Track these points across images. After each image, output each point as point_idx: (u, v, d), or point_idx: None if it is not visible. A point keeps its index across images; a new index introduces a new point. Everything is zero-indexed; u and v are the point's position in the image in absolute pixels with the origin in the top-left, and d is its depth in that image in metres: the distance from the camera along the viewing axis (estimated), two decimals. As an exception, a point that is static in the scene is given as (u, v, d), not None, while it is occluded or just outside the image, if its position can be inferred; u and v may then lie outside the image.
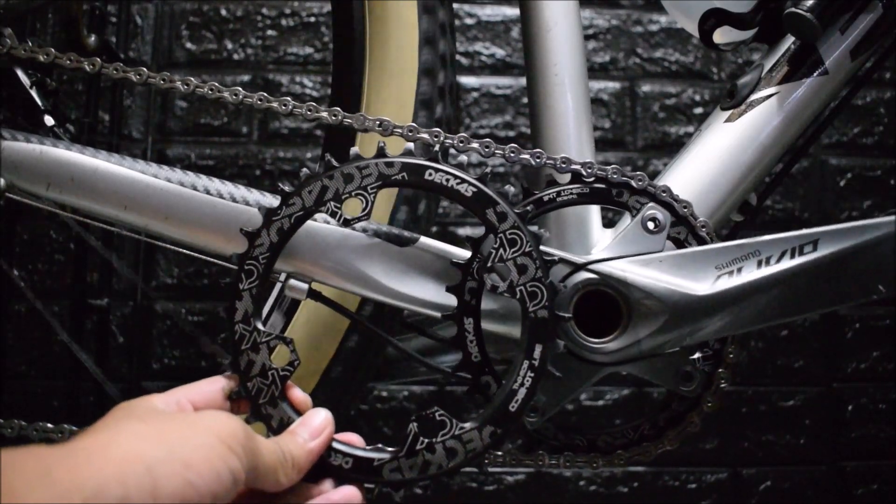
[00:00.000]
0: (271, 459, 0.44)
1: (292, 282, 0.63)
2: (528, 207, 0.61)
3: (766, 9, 0.70)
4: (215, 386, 0.51)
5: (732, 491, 1.35)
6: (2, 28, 0.73)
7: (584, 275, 0.54)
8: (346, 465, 0.50)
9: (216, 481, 0.38)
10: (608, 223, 0.72)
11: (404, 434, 0.51)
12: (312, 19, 1.44)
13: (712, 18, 0.71)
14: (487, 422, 0.50)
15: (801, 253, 0.57)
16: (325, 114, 0.63)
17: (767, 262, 0.57)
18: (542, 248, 0.51)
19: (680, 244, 0.58)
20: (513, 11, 1.47)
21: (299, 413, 0.52)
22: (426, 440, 0.50)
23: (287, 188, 0.54)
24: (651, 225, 0.55)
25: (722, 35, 0.73)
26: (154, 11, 1.42)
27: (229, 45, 1.43)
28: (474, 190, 0.53)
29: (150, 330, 1.34)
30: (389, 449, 0.52)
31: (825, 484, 1.35)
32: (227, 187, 0.62)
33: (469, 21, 1.46)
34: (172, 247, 0.65)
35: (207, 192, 0.62)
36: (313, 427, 0.49)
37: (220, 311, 1.28)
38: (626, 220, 0.70)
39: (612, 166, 0.60)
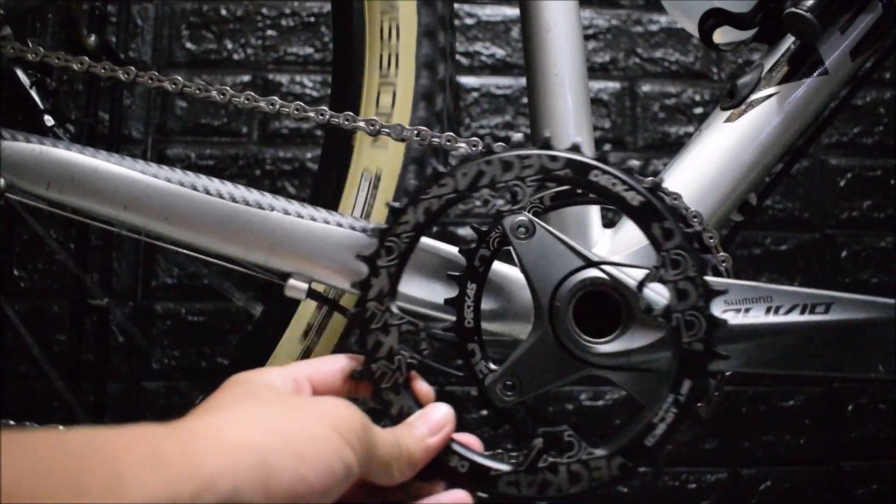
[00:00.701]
0: (387, 453, 0.42)
1: (292, 281, 0.63)
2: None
3: (766, 9, 0.70)
4: (336, 365, 0.49)
5: (732, 491, 1.35)
6: (1, 28, 0.73)
7: (594, 272, 0.54)
8: (461, 468, 0.47)
9: (329, 476, 0.36)
10: (608, 223, 0.72)
11: (527, 447, 0.49)
12: (312, 19, 1.44)
13: (712, 18, 0.71)
14: (619, 452, 0.48)
15: (812, 311, 0.56)
16: (311, 113, 0.63)
17: (776, 311, 0.56)
18: (707, 277, 0.49)
19: None
20: (513, 11, 1.47)
21: (420, 405, 0.50)
22: (551, 459, 0.48)
23: (441, 168, 0.51)
24: None
25: (722, 35, 0.73)
26: (154, 11, 1.42)
27: (229, 45, 1.43)
28: (642, 200, 0.50)
29: (150, 330, 1.34)
30: (510, 460, 0.49)
31: (825, 484, 1.35)
32: (227, 187, 0.62)
33: (469, 21, 1.46)
34: (172, 247, 0.65)
35: (207, 192, 0.62)
36: (433, 422, 0.47)
37: (222, 310, 1.27)
38: (628, 222, 0.70)
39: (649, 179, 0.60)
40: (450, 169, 0.51)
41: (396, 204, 0.52)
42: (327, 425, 0.38)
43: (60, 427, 0.65)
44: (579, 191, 0.60)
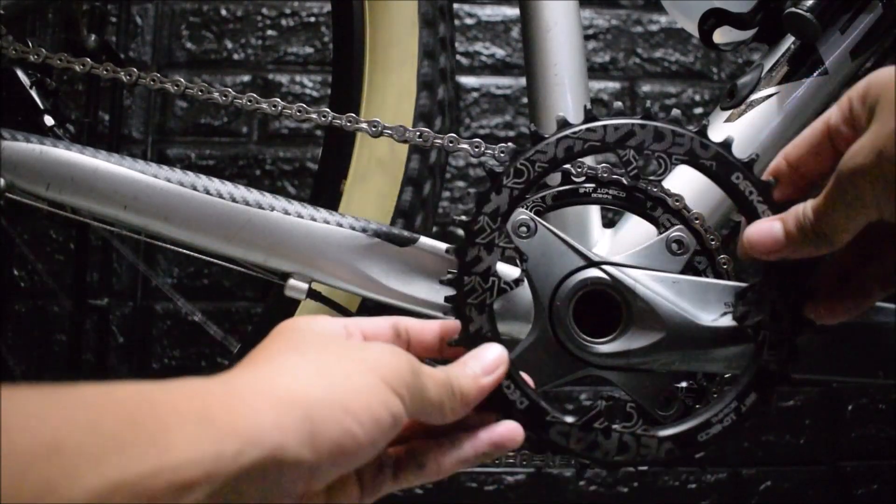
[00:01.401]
0: (438, 394, 0.41)
1: (292, 281, 0.63)
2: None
3: (766, 9, 0.70)
4: (386, 323, 0.48)
5: (732, 491, 1.35)
6: (0, 28, 0.73)
7: (595, 272, 0.54)
8: (520, 404, 0.47)
9: (376, 428, 0.36)
10: (607, 223, 0.72)
11: (588, 406, 0.49)
12: (312, 19, 1.44)
13: (712, 18, 0.71)
14: (671, 438, 0.49)
15: None
16: (314, 115, 0.63)
17: None
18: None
19: (697, 273, 0.58)
20: (513, 11, 1.47)
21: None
22: (607, 423, 0.48)
23: (595, 112, 0.51)
24: (675, 247, 0.55)
25: (722, 35, 0.73)
26: (154, 11, 1.42)
27: (229, 45, 1.43)
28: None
29: (150, 330, 1.34)
30: (569, 413, 0.49)
31: (825, 484, 1.35)
32: (227, 187, 0.62)
33: (469, 21, 1.46)
34: (172, 247, 0.65)
35: (207, 192, 0.62)
36: (487, 362, 0.46)
37: (222, 310, 1.27)
38: (628, 222, 0.70)
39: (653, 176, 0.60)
40: (604, 117, 0.51)
41: (541, 133, 0.51)
42: (375, 375, 0.37)
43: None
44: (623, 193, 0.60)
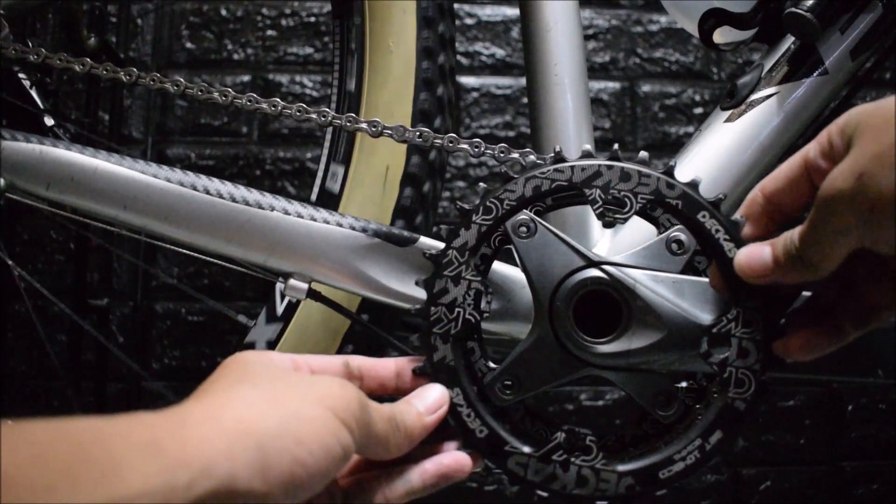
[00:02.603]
0: (384, 430, 0.42)
1: (292, 281, 0.63)
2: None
3: (766, 9, 0.70)
4: (338, 361, 0.48)
5: (732, 491, 1.35)
6: (1, 28, 0.73)
7: (594, 272, 0.54)
8: (480, 433, 0.48)
9: (326, 458, 0.36)
10: (608, 224, 0.72)
11: (547, 437, 0.49)
12: (312, 19, 1.44)
13: (712, 18, 0.71)
14: (631, 474, 0.48)
15: None
16: (314, 115, 0.63)
17: None
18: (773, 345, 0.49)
19: (697, 273, 0.58)
20: (513, 11, 1.47)
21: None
22: (566, 455, 0.48)
23: (563, 155, 0.52)
24: (675, 247, 0.55)
25: (722, 35, 0.73)
26: (154, 11, 1.42)
27: (229, 45, 1.43)
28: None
29: (150, 330, 1.34)
30: (527, 444, 0.49)
31: (825, 484, 1.35)
32: (226, 187, 0.62)
33: (469, 21, 1.46)
34: (172, 247, 0.65)
35: (207, 192, 0.62)
36: (429, 401, 0.47)
37: (224, 311, 1.27)
38: (628, 222, 0.70)
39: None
40: (571, 161, 0.52)
41: (510, 172, 0.52)
42: (324, 406, 0.38)
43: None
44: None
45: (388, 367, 0.49)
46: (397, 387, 0.50)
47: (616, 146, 0.55)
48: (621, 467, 0.49)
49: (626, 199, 0.52)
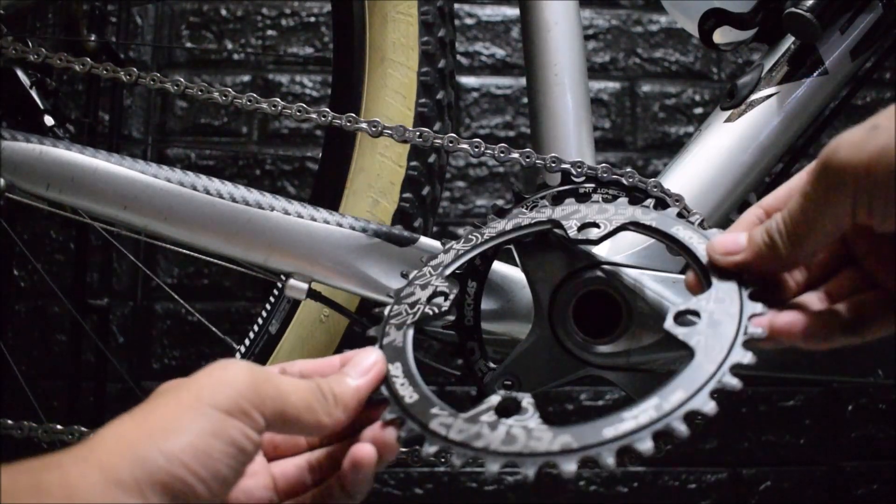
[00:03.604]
0: (304, 401, 0.41)
1: (292, 281, 0.63)
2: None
3: (766, 9, 0.70)
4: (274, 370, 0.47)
5: (732, 491, 1.35)
6: (1, 28, 0.73)
7: (594, 273, 0.54)
8: (409, 398, 0.46)
9: (213, 459, 0.36)
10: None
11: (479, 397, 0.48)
12: (312, 19, 1.44)
13: (712, 18, 0.71)
14: (570, 431, 0.42)
15: None
16: (314, 115, 0.63)
17: None
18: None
19: None
20: (513, 11, 1.47)
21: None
22: (496, 416, 0.44)
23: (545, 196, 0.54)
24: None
25: (722, 35, 0.73)
26: (154, 11, 1.42)
27: (229, 45, 1.43)
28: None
29: (150, 330, 1.34)
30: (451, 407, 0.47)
31: (825, 484, 1.35)
32: (226, 187, 0.62)
33: (469, 21, 1.46)
34: (172, 247, 0.65)
35: (207, 192, 0.62)
36: (361, 366, 0.46)
37: (222, 310, 1.27)
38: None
39: (653, 180, 0.60)
40: (542, 195, 0.54)
41: (501, 203, 0.54)
42: (208, 409, 0.37)
43: (59, 425, 0.65)
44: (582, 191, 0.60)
45: (333, 364, 0.48)
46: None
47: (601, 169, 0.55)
48: (555, 427, 0.43)
49: (603, 224, 0.52)
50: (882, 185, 0.37)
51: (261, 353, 0.73)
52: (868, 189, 0.37)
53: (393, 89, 0.73)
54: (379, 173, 0.72)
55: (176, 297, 0.92)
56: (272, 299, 0.74)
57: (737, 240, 0.45)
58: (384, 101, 0.73)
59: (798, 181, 0.43)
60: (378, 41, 0.74)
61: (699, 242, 0.49)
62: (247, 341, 0.74)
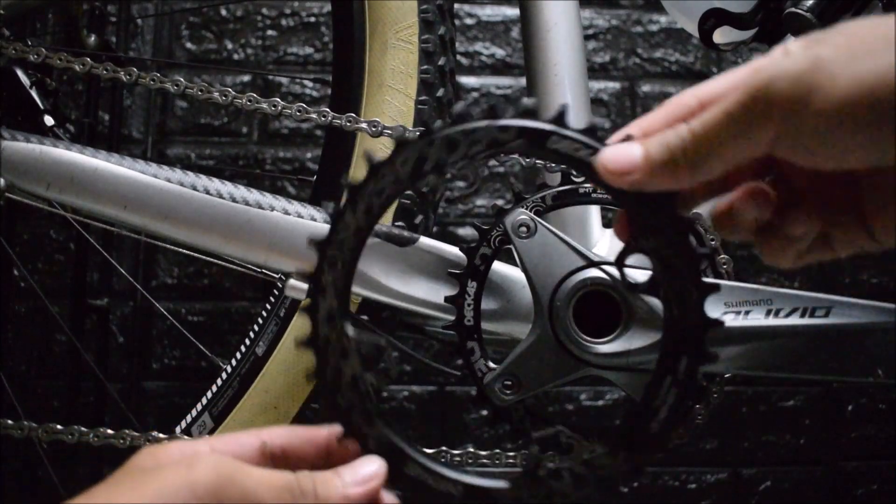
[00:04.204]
0: (275, 498, 0.38)
1: (292, 281, 0.63)
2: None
3: (766, 9, 0.70)
4: (251, 438, 0.43)
5: (732, 491, 1.35)
6: (1, 28, 0.73)
7: (595, 272, 0.54)
8: (455, 491, 0.42)
9: None
10: (608, 223, 0.72)
11: (524, 458, 0.46)
12: (312, 19, 1.44)
13: (712, 18, 0.71)
14: (623, 446, 0.43)
15: (812, 315, 0.57)
16: (314, 115, 0.63)
17: (776, 314, 0.56)
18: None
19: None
20: (513, 11, 1.47)
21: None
22: (551, 465, 0.43)
23: (375, 159, 0.42)
24: None
25: (722, 35, 0.73)
26: (154, 11, 1.42)
27: (229, 45, 1.43)
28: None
29: (150, 330, 1.34)
30: (505, 476, 0.44)
31: (825, 484, 1.35)
32: (227, 187, 0.62)
33: (469, 21, 1.46)
34: (172, 247, 0.65)
35: (207, 192, 0.62)
36: (360, 474, 0.41)
37: (222, 310, 1.28)
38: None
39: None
40: (385, 159, 0.43)
41: (331, 207, 0.44)
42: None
43: (59, 425, 0.65)
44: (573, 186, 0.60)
45: (318, 439, 0.43)
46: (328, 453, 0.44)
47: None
48: (606, 447, 0.43)
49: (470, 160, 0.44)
50: (813, 122, 0.34)
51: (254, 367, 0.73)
52: (796, 126, 0.34)
53: (389, 116, 0.72)
54: None
55: (160, 307, 0.92)
56: (260, 321, 0.73)
57: (631, 154, 0.38)
58: (384, 101, 0.73)
59: (731, 88, 0.38)
60: (377, 67, 0.74)
61: (589, 152, 0.41)
62: (247, 341, 0.74)
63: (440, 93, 0.75)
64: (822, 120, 0.34)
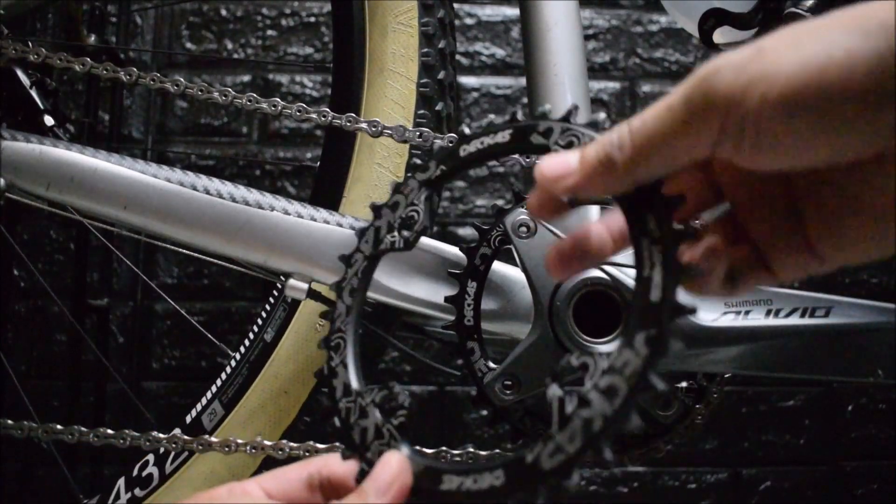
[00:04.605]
0: None
1: (292, 281, 0.63)
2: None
3: (766, 9, 0.70)
4: (298, 473, 0.43)
5: (732, 491, 1.35)
6: (1, 28, 0.73)
7: (594, 272, 0.54)
8: (497, 481, 0.40)
9: None
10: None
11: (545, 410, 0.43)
12: (312, 19, 1.44)
13: (712, 18, 0.71)
14: (634, 330, 0.37)
15: (812, 315, 0.57)
16: (314, 115, 0.63)
17: (776, 314, 0.56)
18: None
19: None
20: (513, 11, 1.47)
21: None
22: (574, 396, 0.39)
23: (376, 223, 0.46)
24: None
25: (722, 35, 0.73)
26: (154, 11, 1.42)
27: (229, 45, 1.43)
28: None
29: (150, 330, 1.34)
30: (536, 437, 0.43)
31: (825, 484, 1.35)
32: (226, 187, 0.62)
33: (469, 21, 1.46)
34: (172, 247, 0.65)
35: (207, 192, 0.62)
36: (380, 482, 0.40)
37: (222, 310, 1.27)
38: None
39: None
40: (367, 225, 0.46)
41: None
42: None
43: (59, 425, 0.65)
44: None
45: (298, 481, 0.43)
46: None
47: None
48: (619, 342, 0.38)
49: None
50: (757, 112, 0.31)
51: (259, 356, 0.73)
52: (739, 117, 0.32)
53: (392, 99, 0.72)
54: (376, 183, 0.72)
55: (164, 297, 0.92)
56: (268, 307, 0.73)
57: (566, 161, 0.37)
58: (383, 111, 0.73)
59: (679, 87, 0.36)
60: (378, 51, 0.74)
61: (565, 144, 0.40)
62: (246, 342, 0.74)
63: (441, 75, 0.75)
64: (766, 109, 0.31)
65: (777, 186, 0.36)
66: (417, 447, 0.43)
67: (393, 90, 0.73)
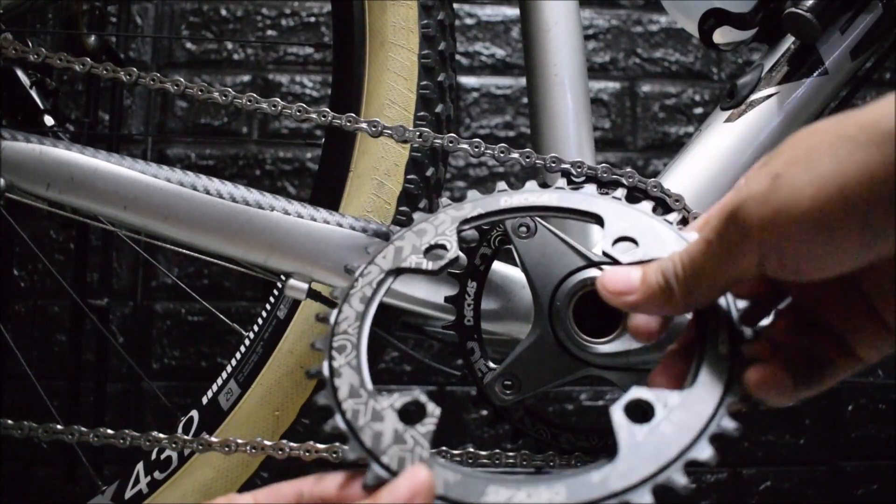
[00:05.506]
0: None
1: (292, 281, 0.63)
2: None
3: (766, 9, 0.70)
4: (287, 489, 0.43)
5: (732, 491, 1.35)
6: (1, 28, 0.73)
7: (595, 272, 0.54)
8: (557, 497, 0.40)
9: None
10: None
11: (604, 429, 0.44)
12: (312, 19, 1.44)
13: (712, 18, 0.71)
14: (722, 341, 0.41)
15: None
16: (314, 115, 0.63)
17: None
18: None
19: None
20: (513, 11, 1.47)
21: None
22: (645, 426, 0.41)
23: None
24: None
25: (722, 35, 0.73)
26: (154, 11, 1.42)
27: (229, 45, 1.43)
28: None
29: (150, 330, 1.34)
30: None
31: (825, 484, 1.35)
32: (227, 187, 0.62)
33: (469, 21, 1.46)
34: (172, 247, 0.65)
35: (207, 192, 0.62)
36: (397, 494, 0.39)
37: (222, 310, 1.28)
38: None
39: (653, 180, 0.60)
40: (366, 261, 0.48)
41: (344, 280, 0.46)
42: None
43: (59, 425, 0.65)
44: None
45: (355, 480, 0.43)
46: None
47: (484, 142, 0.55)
48: (693, 378, 0.42)
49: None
50: (790, 237, 0.34)
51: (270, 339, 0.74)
52: (775, 244, 0.35)
53: (394, 71, 0.73)
54: (383, 156, 0.72)
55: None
56: (272, 299, 0.74)
57: (629, 278, 0.42)
58: (386, 83, 0.73)
59: (713, 215, 0.39)
60: (378, 25, 0.74)
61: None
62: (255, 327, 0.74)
63: (442, 46, 0.75)
64: (799, 232, 0.34)
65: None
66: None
67: (395, 62, 0.73)
